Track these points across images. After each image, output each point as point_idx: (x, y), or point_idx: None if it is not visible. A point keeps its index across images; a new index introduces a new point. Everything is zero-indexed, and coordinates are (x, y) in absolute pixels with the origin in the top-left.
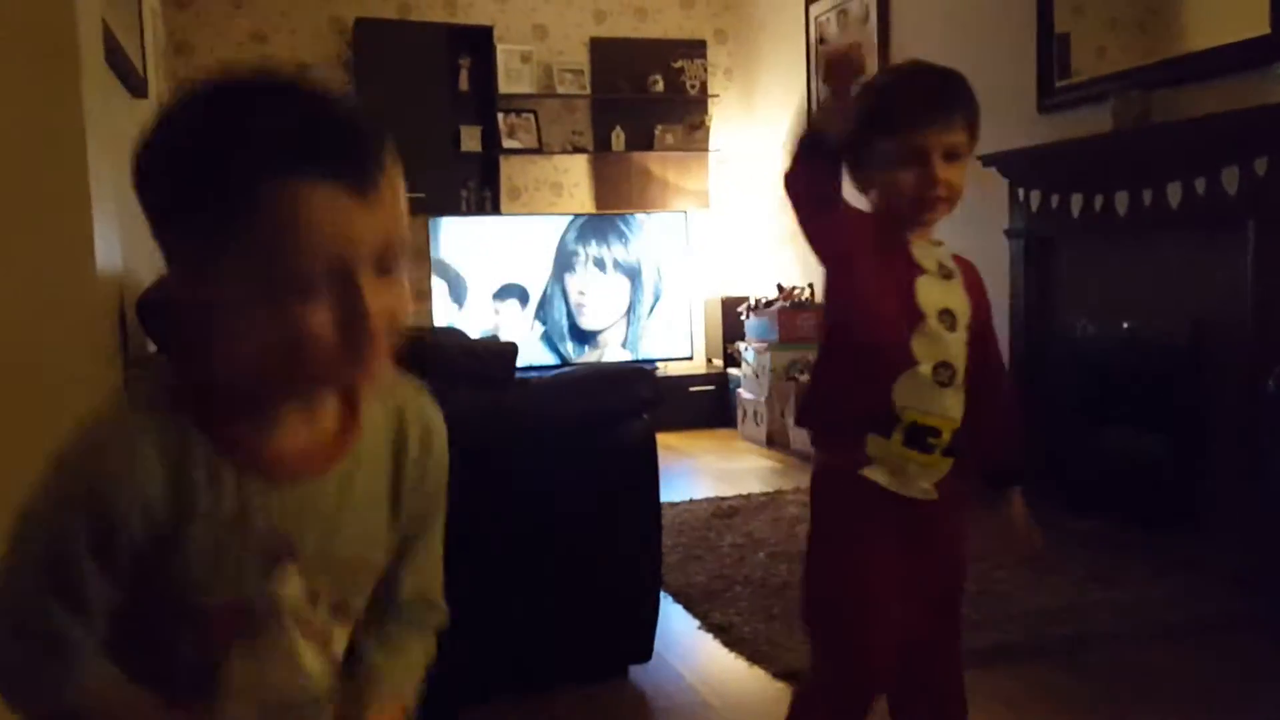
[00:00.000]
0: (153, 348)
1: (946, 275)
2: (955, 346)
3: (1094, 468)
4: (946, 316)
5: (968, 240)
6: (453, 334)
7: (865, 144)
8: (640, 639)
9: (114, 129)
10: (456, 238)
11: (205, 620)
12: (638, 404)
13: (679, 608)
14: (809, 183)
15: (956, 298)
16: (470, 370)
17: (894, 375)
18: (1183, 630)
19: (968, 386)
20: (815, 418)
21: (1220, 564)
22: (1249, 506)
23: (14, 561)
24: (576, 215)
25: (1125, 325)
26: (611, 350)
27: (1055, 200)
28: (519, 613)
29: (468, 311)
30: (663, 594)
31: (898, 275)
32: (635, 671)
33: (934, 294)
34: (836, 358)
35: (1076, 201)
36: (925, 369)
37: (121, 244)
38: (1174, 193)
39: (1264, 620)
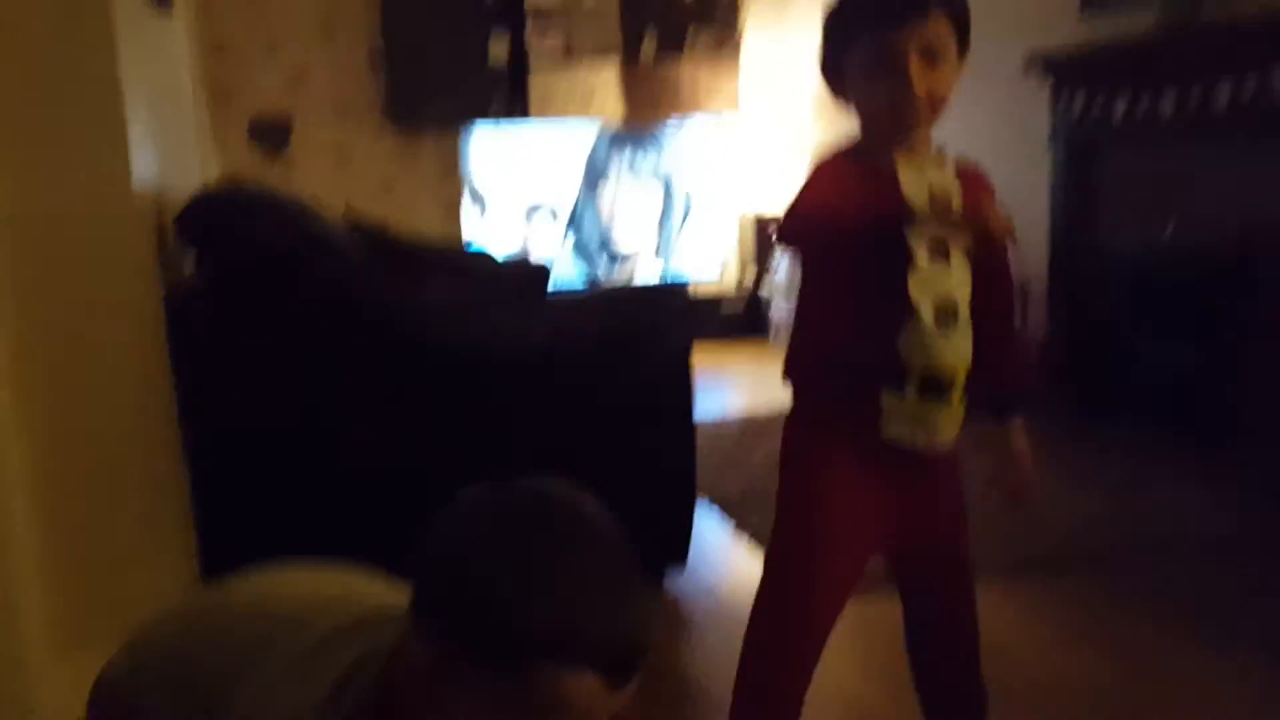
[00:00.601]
0: (190, 265)
1: (941, 203)
2: (954, 279)
3: (1132, 378)
4: (940, 248)
5: (1008, 147)
6: (486, 255)
7: (837, 55)
8: (676, 544)
9: (143, 44)
10: (486, 147)
11: None
12: (673, 320)
13: (714, 517)
14: None
15: (953, 225)
16: (506, 290)
17: (895, 325)
18: (1218, 542)
19: (973, 310)
20: (805, 370)
21: (1257, 476)
22: None
23: None
24: (607, 122)
25: (1168, 233)
26: (644, 268)
27: (1099, 104)
28: None
29: (498, 227)
30: (699, 501)
31: (883, 214)
32: (672, 575)
33: (925, 228)
34: (823, 307)
35: (1120, 105)
36: (926, 314)
37: (157, 160)
38: (1222, 94)
39: None
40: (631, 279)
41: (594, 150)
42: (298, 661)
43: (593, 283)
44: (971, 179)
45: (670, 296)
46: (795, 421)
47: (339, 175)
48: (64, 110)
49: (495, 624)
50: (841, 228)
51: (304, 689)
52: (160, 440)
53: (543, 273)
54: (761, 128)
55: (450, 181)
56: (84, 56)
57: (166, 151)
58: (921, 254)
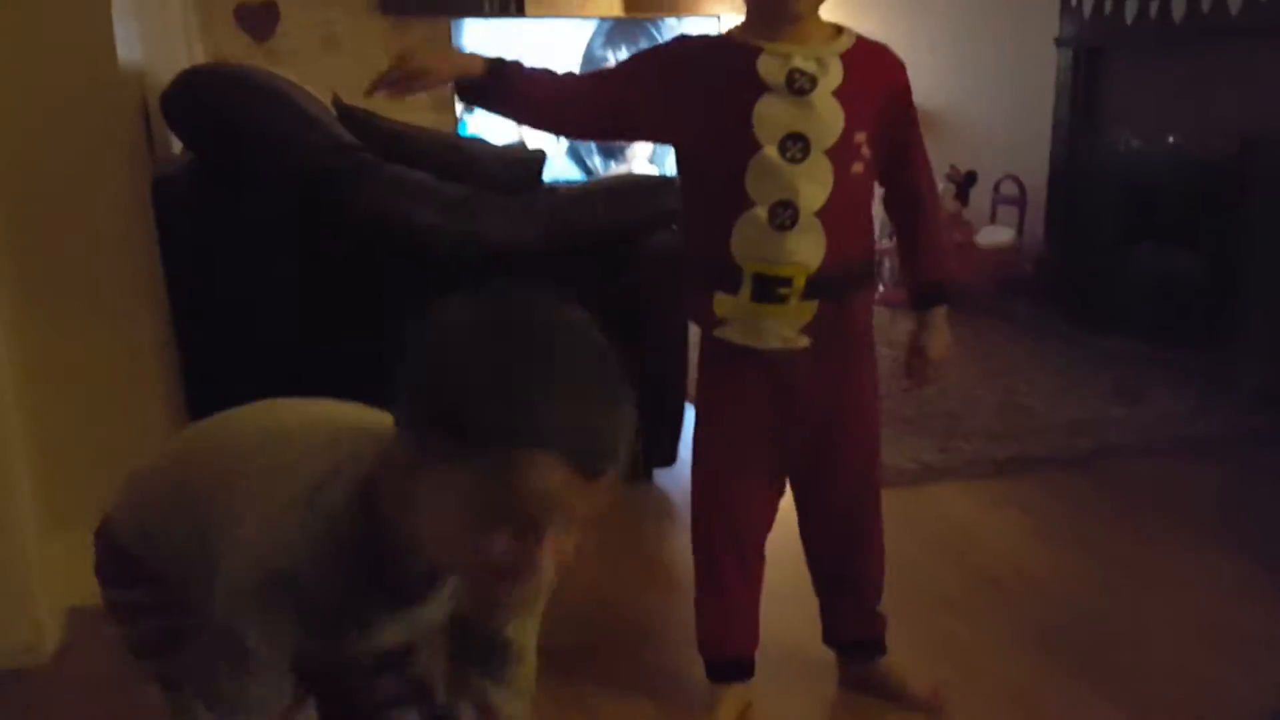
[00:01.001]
0: (177, 144)
1: (800, 90)
2: (802, 180)
3: (1127, 285)
4: (792, 143)
5: (1014, 50)
6: (479, 142)
7: None
8: (664, 443)
9: None
10: (479, 42)
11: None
12: (664, 215)
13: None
14: None
15: (815, 116)
16: (499, 176)
17: (730, 222)
18: (1204, 445)
19: (886, 200)
20: (683, 268)
21: (1246, 383)
22: (1277, 327)
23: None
24: (604, 19)
25: (1171, 140)
26: (639, 164)
27: (1109, 4)
28: None
29: (493, 121)
30: (687, 403)
31: (734, 100)
32: (660, 474)
33: (777, 116)
34: (686, 205)
35: (1131, 6)
36: (760, 212)
37: (141, 40)
38: None
39: None
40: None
41: (589, 48)
42: (284, 466)
43: (587, 178)
44: (865, 61)
45: (662, 188)
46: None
47: (328, 62)
48: None
49: (460, 409)
50: (685, 97)
51: (290, 488)
52: (150, 318)
53: (538, 160)
54: None
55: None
56: None
57: (151, 32)
58: (770, 148)
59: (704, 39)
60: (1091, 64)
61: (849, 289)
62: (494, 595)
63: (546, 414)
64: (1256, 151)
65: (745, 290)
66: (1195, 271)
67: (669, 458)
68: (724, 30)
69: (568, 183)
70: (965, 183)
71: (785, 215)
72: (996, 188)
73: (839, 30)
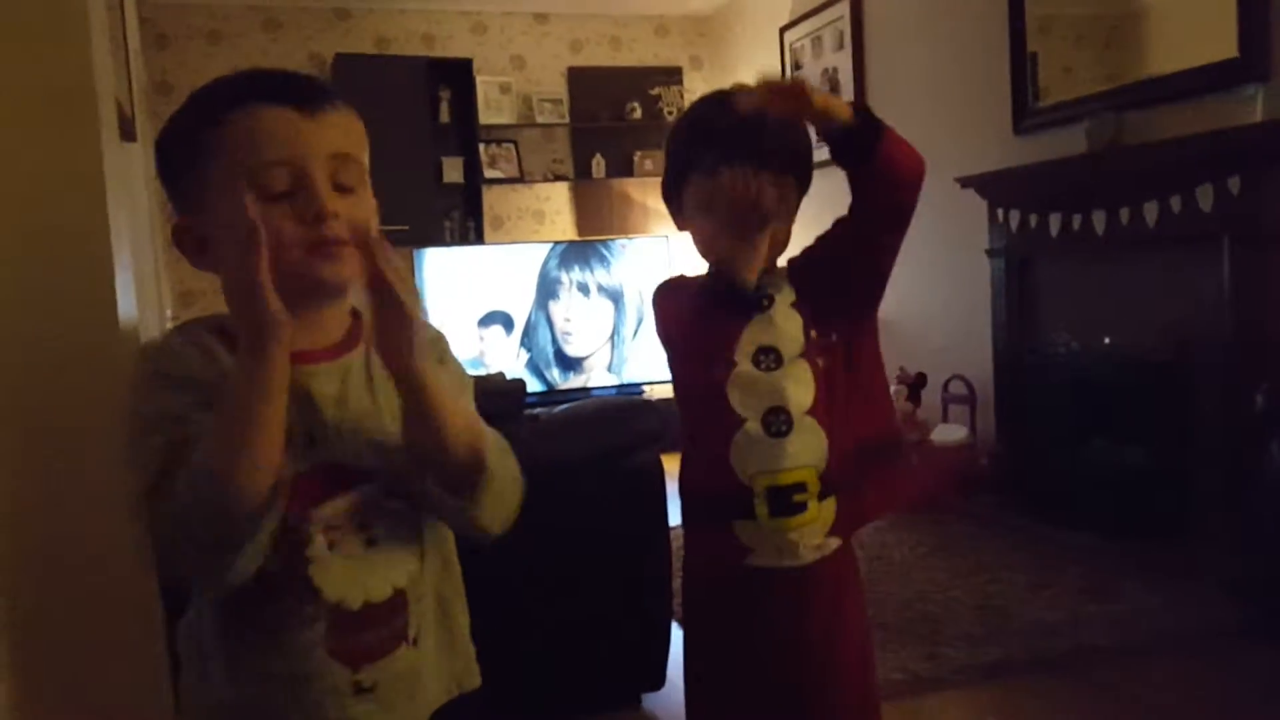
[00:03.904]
0: None
1: (762, 309)
2: (784, 383)
3: (1082, 481)
4: (765, 355)
5: (948, 260)
6: None
7: (678, 184)
8: (652, 667)
9: (118, 176)
10: (440, 268)
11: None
12: (645, 437)
13: None
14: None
15: (777, 329)
16: (482, 407)
17: (725, 445)
18: (1181, 640)
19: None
20: (683, 505)
21: (1211, 573)
22: (1236, 516)
23: (143, 461)
24: (558, 242)
25: (1107, 341)
26: (597, 375)
27: (1034, 220)
28: (533, 643)
29: (453, 340)
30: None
31: (716, 331)
32: (649, 699)
33: (746, 336)
34: (684, 444)
35: (1055, 221)
36: (753, 425)
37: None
38: (1150, 212)
39: (1258, 628)
40: (586, 388)
41: (544, 269)
42: None
43: (549, 389)
44: (790, 266)
45: (643, 411)
46: (686, 569)
47: None
48: (53, 245)
49: (195, 105)
50: (678, 336)
51: None
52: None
53: (519, 390)
54: None
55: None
56: (75, 191)
57: (137, 276)
58: (745, 361)
59: (679, 278)
60: (1023, 272)
61: (865, 472)
62: (316, 267)
63: (256, 76)
64: (1190, 349)
65: (762, 508)
66: (1147, 465)
67: (657, 682)
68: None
69: (545, 409)
70: (916, 384)
71: (780, 421)
72: (946, 387)
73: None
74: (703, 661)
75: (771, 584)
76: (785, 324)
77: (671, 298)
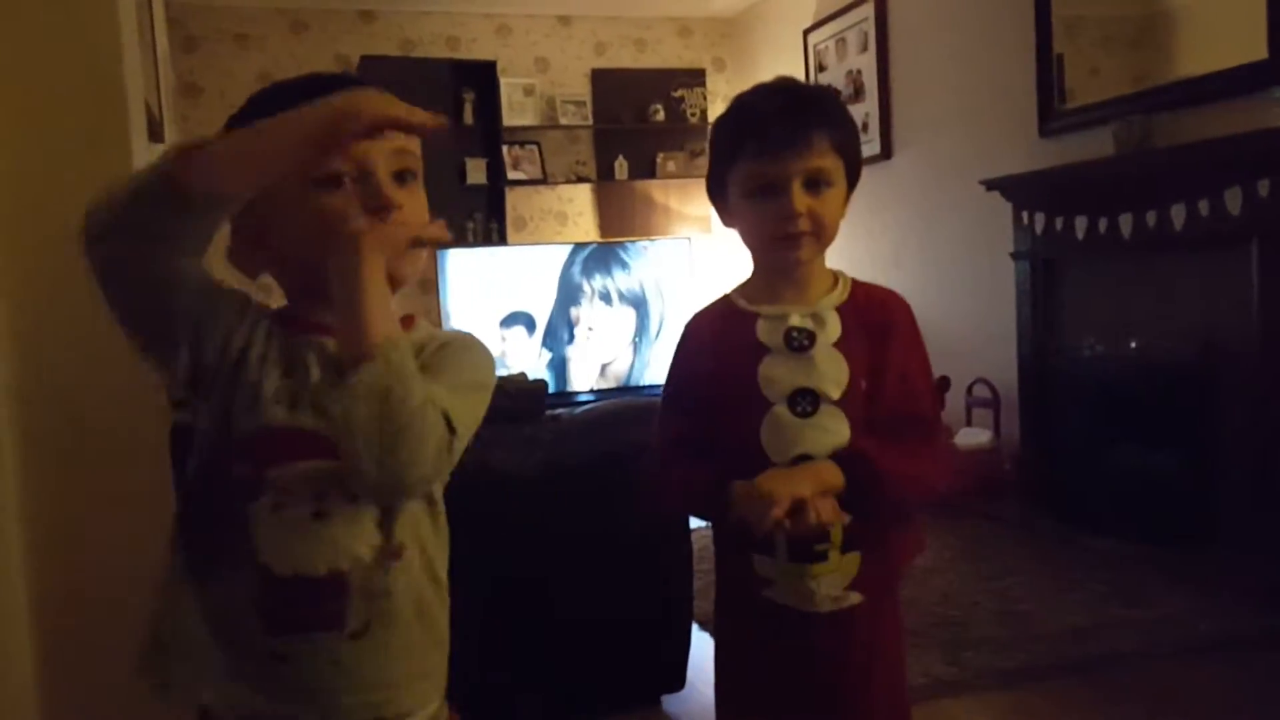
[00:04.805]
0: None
1: (800, 348)
2: (817, 433)
3: (1107, 486)
4: (803, 399)
5: (972, 262)
6: None
7: (723, 175)
8: (672, 668)
9: None
10: (463, 269)
11: (249, 444)
12: None
13: (706, 635)
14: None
15: (818, 371)
16: (503, 407)
17: (751, 478)
18: (1207, 647)
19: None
20: (714, 528)
21: (1237, 580)
22: (1263, 523)
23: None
24: (581, 244)
25: (1133, 344)
26: (618, 376)
27: (1059, 223)
28: (553, 643)
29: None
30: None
31: (741, 364)
32: (668, 700)
33: (782, 374)
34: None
35: (1080, 224)
36: (781, 469)
37: None
38: (1178, 214)
39: None
40: (607, 390)
41: (565, 271)
42: None
43: (571, 390)
44: (864, 309)
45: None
46: (717, 592)
47: None
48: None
49: (259, 102)
50: (701, 392)
51: None
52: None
53: (541, 390)
54: (731, 243)
55: (428, 296)
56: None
57: None
58: (780, 406)
59: (710, 310)
60: (1048, 275)
61: (890, 528)
62: (385, 248)
63: (303, 82)
64: (1217, 354)
65: (781, 549)
66: (1173, 470)
67: (677, 683)
68: (728, 293)
69: (566, 410)
70: (939, 388)
71: None
72: (969, 390)
73: (837, 280)
74: (729, 680)
75: (790, 622)
76: (825, 365)
77: (703, 338)
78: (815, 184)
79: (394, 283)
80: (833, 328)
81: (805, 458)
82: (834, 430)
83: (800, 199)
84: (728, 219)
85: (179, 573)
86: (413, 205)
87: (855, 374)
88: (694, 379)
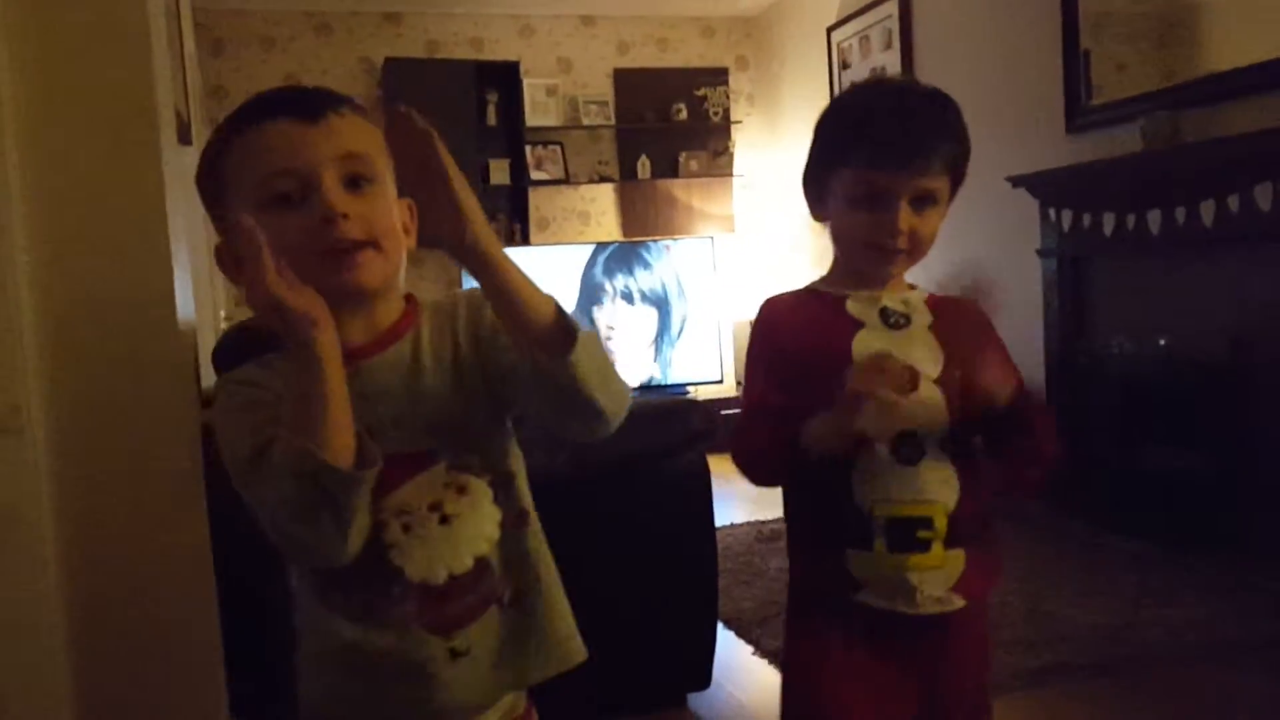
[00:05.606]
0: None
1: (896, 324)
2: (915, 407)
3: (1135, 487)
4: (906, 373)
5: (999, 259)
6: None
7: (824, 171)
8: (698, 667)
9: (176, 180)
10: None
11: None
12: (692, 437)
13: (731, 634)
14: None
15: (915, 348)
16: None
17: (847, 466)
18: (1237, 649)
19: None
20: (790, 523)
21: (1268, 583)
22: None
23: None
24: (603, 243)
25: (1162, 343)
26: (642, 376)
27: (1087, 220)
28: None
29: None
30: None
31: (834, 337)
32: (694, 699)
33: (878, 348)
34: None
35: (1108, 221)
36: (882, 448)
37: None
38: (1207, 211)
39: None
40: (631, 389)
41: (588, 270)
42: None
43: None
44: (948, 307)
45: (690, 410)
46: (790, 599)
47: None
48: (113, 247)
49: (217, 132)
50: (793, 363)
51: None
52: (202, 595)
53: None
54: (754, 242)
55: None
56: (135, 197)
57: (193, 276)
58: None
59: (788, 296)
60: (1076, 272)
61: (981, 540)
62: (332, 266)
63: (250, 104)
64: (1248, 352)
65: (879, 541)
66: (1202, 470)
67: (703, 682)
68: (807, 285)
69: None
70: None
71: (910, 449)
72: None
73: (913, 287)
74: (803, 683)
75: (881, 628)
76: (925, 348)
77: (787, 314)
78: (921, 202)
79: (345, 294)
80: (924, 315)
81: (909, 435)
82: (933, 404)
83: (906, 218)
84: (820, 214)
85: (325, 640)
86: (369, 211)
87: (950, 359)
88: (783, 352)
